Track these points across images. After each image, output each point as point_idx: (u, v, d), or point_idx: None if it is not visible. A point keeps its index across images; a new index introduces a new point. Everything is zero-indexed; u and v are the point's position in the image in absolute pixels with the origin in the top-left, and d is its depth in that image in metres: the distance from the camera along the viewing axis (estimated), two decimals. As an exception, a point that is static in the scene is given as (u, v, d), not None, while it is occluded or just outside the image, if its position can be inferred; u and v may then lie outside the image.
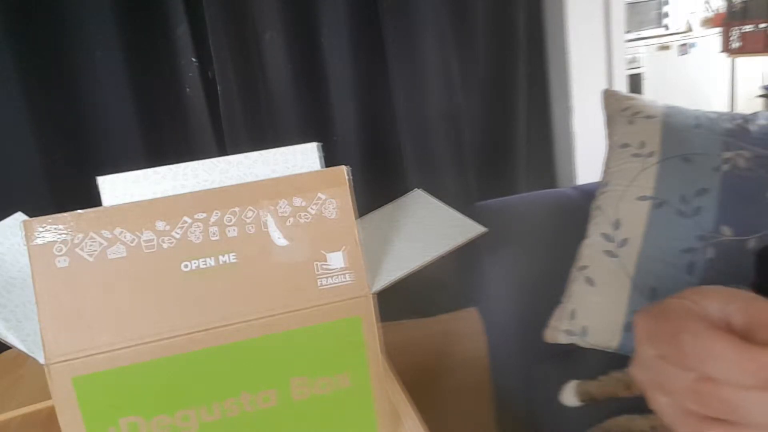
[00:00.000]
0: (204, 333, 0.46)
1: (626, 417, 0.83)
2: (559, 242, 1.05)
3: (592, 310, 1.00)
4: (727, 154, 0.92)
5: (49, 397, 0.43)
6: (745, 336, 0.27)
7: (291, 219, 0.48)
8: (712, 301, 0.28)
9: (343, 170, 0.50)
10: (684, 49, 3.49)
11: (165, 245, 0.45)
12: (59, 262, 0.43)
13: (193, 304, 0.46)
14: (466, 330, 1.22)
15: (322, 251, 0.48)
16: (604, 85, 1.33)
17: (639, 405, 0.85)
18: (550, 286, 1.06)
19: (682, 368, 0.27)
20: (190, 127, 1.13)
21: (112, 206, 0.45)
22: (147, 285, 0.45)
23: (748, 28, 3.12)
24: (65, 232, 0.43)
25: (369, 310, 0.49)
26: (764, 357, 0.25)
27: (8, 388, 0.75)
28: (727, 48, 3.27)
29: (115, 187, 0.59)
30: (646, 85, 3.40)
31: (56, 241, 0.43)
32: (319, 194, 0.49)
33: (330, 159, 0.56)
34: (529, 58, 1.33)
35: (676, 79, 3.43)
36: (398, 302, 1.27)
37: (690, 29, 3.61)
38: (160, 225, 0.45)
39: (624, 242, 0.98)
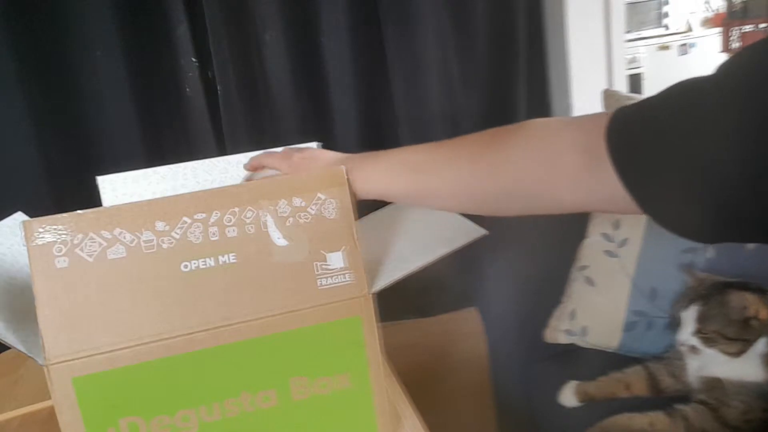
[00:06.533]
0: (204, 333, 0.46)
1: (625, 416, 0.83)
2: (559, 242, 1.05)
3: (592, 310, 1.00)
4: (727, 154, 0.92)
5: (49, 397, 0.43)
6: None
7: (291, 219, 0.48)
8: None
9: (343, 170, 0.50)
10: (684, 49, 3.49)
11: (165, 245, 0.45)
12: (59, 262, 0.43)
13: (193, 304, 0.46)
14: (466, 330, 1.22)
15: (322, 251, 0.48)
16: (604, 85, 1.33)
17: (638, 404, 0.85)
18: (550, 286, 1.06)
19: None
20: (190, 127, 1.13)
21: (111, 206, 0.45)
22: (147, 285, 0.45)
23: (748, 28, 3.12)
24: (65, 232, 0.43)
25: (369, 310, 0.49)
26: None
27: (8, 388, 0.75)
28: (727, 48, 3.26)
29: (115, 187, 0.59)
30: (646, 85, 3.40)
31: (56, 242, 0.43)
32: (319, 194, 0.49)
33: (330, 159, 0.56)
34: (529, 58, 1.32)
35: (676, 79, 3.40)
36: (398, 302, 1.27)
37: (690, 29, 3.60)
38: (160, 225, 0.45)
39: (624, 242, 0.98)
